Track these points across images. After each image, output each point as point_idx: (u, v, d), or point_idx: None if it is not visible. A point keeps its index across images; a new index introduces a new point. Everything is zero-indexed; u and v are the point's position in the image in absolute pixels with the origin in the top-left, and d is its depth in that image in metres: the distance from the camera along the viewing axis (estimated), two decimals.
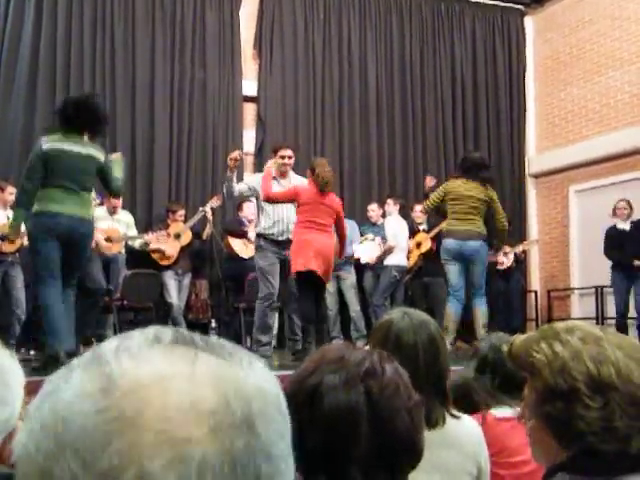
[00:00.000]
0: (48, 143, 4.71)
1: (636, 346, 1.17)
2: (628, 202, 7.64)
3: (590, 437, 1.14)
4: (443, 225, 6.74)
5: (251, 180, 6.29)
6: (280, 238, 5.91)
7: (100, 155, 4.88)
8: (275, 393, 0.53)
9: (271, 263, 5.86)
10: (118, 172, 5.09)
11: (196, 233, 7.50)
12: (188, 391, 0.48)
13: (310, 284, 5.64)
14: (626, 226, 7.53)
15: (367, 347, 1.98)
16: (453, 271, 6.28)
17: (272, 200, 5.70)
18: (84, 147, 4.79)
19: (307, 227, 5.56)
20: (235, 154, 5.88)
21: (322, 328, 6.38)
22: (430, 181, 7.47)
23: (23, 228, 6.62)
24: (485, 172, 6.36)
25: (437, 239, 7.46)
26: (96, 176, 4.91)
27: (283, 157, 5.96)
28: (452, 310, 6.23)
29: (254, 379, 0.51)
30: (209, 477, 0.45)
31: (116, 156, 5.26)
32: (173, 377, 0.48)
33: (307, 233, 5.55)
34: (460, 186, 6.24)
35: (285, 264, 5.84)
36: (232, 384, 0.49)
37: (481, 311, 6.33)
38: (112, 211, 7.13)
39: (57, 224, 4.67)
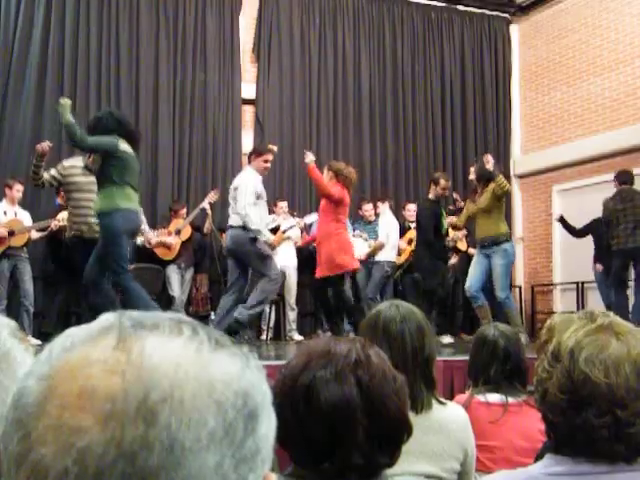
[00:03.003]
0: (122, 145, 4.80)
1: (626, 358, 1.16)
2: None
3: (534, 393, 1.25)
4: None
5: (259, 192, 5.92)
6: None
7: None
8: (213, 379, 0.48)
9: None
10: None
11: (197, 228, 7.49)
12: (97, 378, 0.46)
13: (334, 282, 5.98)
14: None
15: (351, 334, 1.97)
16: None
17: (336, 199, 5.91)
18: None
19: (344, 228, 6.02)
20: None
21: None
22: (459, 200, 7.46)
23: (27, 222, 6.63)
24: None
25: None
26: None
27: (266, 161, 5.87)
28: (515, 307, 6.34)
29: (184, 366, 0.47)
30: (92, 466, 0.43)
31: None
32: (90, 364, 0.46)
33: (346, 234, 6.05)
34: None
35: None
36: (138, 371, 0.46)
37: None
38: None
39: (132, 221, 4.90)
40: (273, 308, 7.71)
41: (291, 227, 7.58)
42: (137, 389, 0.45)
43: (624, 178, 6.98)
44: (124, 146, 4.77)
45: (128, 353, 0.47)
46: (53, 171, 5.77)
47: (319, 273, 6.00)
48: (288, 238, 7.58)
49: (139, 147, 5.17)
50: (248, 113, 8.98)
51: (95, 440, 0.44)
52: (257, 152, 6.00)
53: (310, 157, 5.97)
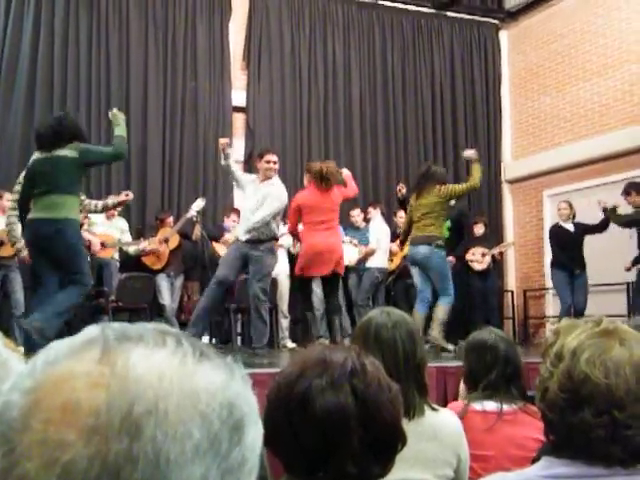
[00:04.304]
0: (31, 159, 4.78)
1: (628, 361, 1.18)
2: (569, 203, 7.72)
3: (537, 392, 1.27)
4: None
5: (244, 177, 6.13)
6: (242, 238, 5.78)
7: (72, 152, 4.71)
8: (197, 390, 0.47)
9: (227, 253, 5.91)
10: (119, 131, 4.96)
11: (185, 234, 7.44)
12: (80, 392, 0.45)
13: (313, 281, 5.90)
14: (569, 226, 7.59)
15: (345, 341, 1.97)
16: (415, 274, 6.30)
17: (296, 230, 5.92)
18: (53, 152, 4.69)
19: (309, 229, 5.72)
20: (222, 141, 6.05)
21: (333, 319, 6.30)
22: (402, 188, 7.34)
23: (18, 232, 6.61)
24: (425, 181, 6.17)
25: None
26: (83, 169, 4.82)
27: (269, 162, 5.89)
28: (416, 311, 6.07)
29: (168, 377, 0.47)
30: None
31: (112, 114, 5.07)
32: (74, 378, 0.46)
33: (309, 237, 5.72)
34: (413, 199, 6.24)
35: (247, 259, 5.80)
36: (122, 383, 0.45)
37: (439, 308, 6.16)
38: (109, 216, 7.13)
39: (27, 232, 4.77)
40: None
41: (282, 234, 7.56)
42: (121, 402, 0.45)
43: None
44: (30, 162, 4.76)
45: (112, 366, 0.46)
46: (10, 196, 5.76)
47: None
48: (280, 246, 7.58)
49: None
50: (239, 120, 8.98)
51: (79, 454, 0.43)
52: (259, 154, 6.11)
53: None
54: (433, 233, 6.04)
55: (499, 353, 2.37)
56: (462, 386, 2.53)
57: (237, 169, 6.23)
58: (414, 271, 6.31)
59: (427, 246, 6.03)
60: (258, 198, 5.77)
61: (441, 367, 4.67)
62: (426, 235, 6.03)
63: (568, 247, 7.48)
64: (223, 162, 6.04)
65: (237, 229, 6.11)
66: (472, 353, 2.47)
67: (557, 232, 7.59)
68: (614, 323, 1.24)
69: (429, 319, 6.28)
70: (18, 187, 5.27)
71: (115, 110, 5.11)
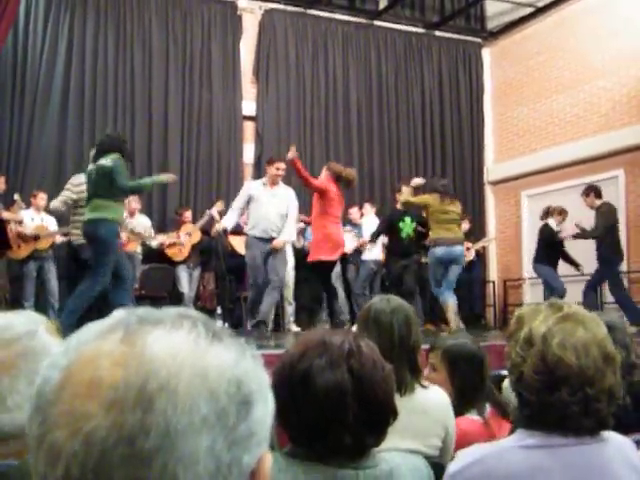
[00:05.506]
0: None
1: (593, 342, 1.19)
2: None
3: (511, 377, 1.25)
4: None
5: (246, 193, 5.97)
6: (265, 236, 5.78)
7: (108, 163, 4.68)
8: (207, 369, 0.47)
9: (254, 257, 5.80)
10: (146, 181, 5.12)
11: (206, 231, 7.46)
12: (103, 369, 0.46)
13: (322, 270, 5.77)
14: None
15: (354, 327, 1.93)
16: (437, 269, 6.18)
17: (315, 187, 5.62)
18: (96, 162, 4.75)
19: (331, 221, 5.67)
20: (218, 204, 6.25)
21: (333, 305, 6.23)
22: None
23: (53, 227, 6.62)
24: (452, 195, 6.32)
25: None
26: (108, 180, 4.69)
27: (278, 168, 5.88)
28: (448, 301, 6.10)
29: (181, 356, 0.46)
30: (96, 448, 0.43)
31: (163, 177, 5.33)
32: (100, 357, 0.46)
33: (330, 227, 5.65)
34: (441, 203, 6.14)
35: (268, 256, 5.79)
36: (139, 362, 0.45)
37: (454, 302, 6.22)
38: (131, 213, 7.15)
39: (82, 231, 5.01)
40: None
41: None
42: (136, 378, 0.45)
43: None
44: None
45: (132, 346, 0.47)
46: (66, 193, 5.79)
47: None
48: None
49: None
50: (249, 128, 8.97)
51: (100, 425, 0.44)
52: (269, 160, 6.08)
53: (293, 152, 5.66)
54: (462, 237, 6.36)
55: (484, 360, 2.08)
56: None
57: (236, 206, 6.00)
58: (439, 269, 6.14)
59: (461, 246, 6.23)
60: (279, 201, 5.79)
61: None
62: (461, 238, 6.29)
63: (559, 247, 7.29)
64: (223, 227, 6.13)
65: (265, 228, 5.85)
66: (460, 364, 2.07)
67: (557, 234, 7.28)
68: (570, 307, 1.23)
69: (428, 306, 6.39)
70: (67, 192, 5.68)
71: (162, 176, 5.33)
